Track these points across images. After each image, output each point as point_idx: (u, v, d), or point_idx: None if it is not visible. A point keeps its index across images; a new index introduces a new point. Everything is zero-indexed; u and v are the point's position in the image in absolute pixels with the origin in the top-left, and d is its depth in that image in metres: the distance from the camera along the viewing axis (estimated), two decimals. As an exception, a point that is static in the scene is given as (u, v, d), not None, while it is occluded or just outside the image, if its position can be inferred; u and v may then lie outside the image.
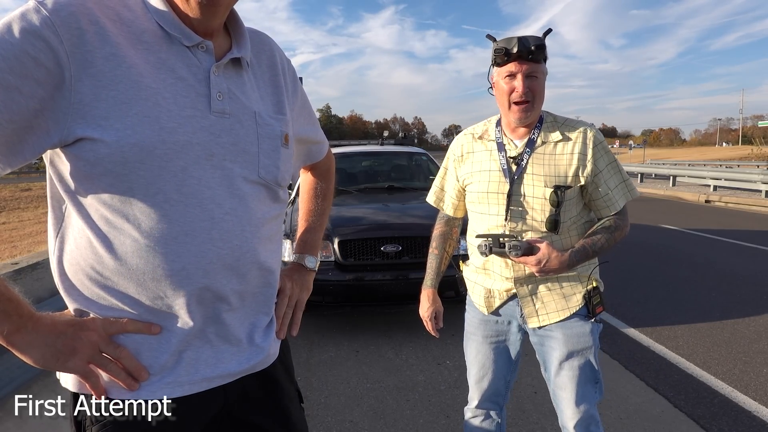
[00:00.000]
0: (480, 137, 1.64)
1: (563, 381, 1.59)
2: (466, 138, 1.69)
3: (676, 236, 8.20)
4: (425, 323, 1.77)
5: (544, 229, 1.50)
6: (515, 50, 1.43)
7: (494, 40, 1.52)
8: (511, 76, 1.47)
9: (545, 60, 1.50)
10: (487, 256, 1.52)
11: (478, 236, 1.54)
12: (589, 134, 1.52)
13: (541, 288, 1.56)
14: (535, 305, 1.57)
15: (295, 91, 1.03)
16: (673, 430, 2.55)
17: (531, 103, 1.47)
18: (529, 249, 1.45)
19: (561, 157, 1.51)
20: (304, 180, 1.26)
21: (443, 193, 1.80)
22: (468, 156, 1.66)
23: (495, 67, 1.52)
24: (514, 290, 1.58)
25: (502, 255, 1.49)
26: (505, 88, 1.49)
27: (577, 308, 1.56)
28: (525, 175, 1.52)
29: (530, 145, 1.53)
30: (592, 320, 1.56)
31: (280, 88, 0.97)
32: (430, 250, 1.81)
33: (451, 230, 1.81)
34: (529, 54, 1.43)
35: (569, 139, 1.52)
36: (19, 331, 0.74)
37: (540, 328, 1.59)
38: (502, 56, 1.46)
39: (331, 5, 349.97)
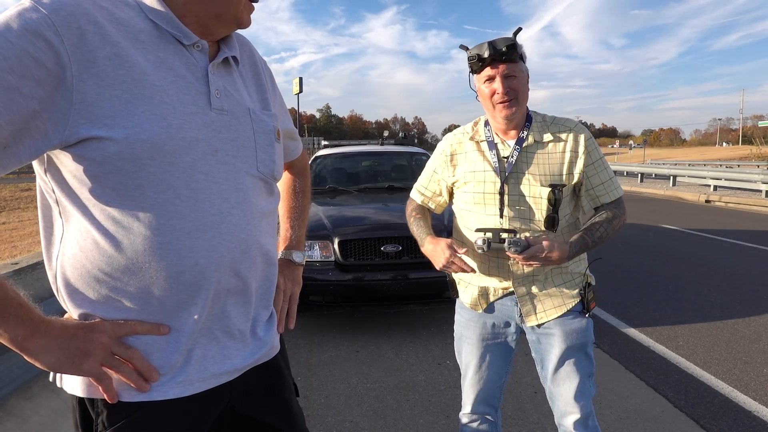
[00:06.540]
0: (471, 138, 1.65)
1: (562, 377, 1.60)
2: (456, 138, 1.69)
3: (676, 236, 8.20)
4: (451, 263, 1.52)
5: (541, 228, 1.51)
6: (487, 54, 1.46)
7: (467, 49, 1.55)
8: (490, 79, 1.50)
9: (523, 59, 1.52)
10: (484, 251, 1.50)
11: (478, 230, 1.54)
12: (580, 132, 1.56)
13: (538, 286, 1.58)
14: (533, 304, 1.59)
15: (274, 89, 1.06)
16: (673, 430, 2.56)
17: (515, 99, 1.50)
18: (527, 246, 1.45)
19: (555, 156, 1.54)
20: (282, 179, 1.27)
21: (429, 191, 1.78)
22: (460, 156, 1.65)
23: (474, 75, 1.55)
24: (512, 288, 1.59)
25: (500, 251, 1.49)
26: (486, 92, 1.52)
27: (574, 304, 1.59)
28: (519, 175, 1.54)
29: (520, 143, 1.55)
30: (587, 315, 1.60)
31: (262, 86, 1.00)
32: (412, 218, 1.79)
33: (425, 210, 1.81)
34: (502, 55, 1.46)
35: (560, 138, 1.55)
36: (33, 335, 0.74)
37: (538, 326, 1.61)
38: (477, 63, 1.50)
39: (334, 5, 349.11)
